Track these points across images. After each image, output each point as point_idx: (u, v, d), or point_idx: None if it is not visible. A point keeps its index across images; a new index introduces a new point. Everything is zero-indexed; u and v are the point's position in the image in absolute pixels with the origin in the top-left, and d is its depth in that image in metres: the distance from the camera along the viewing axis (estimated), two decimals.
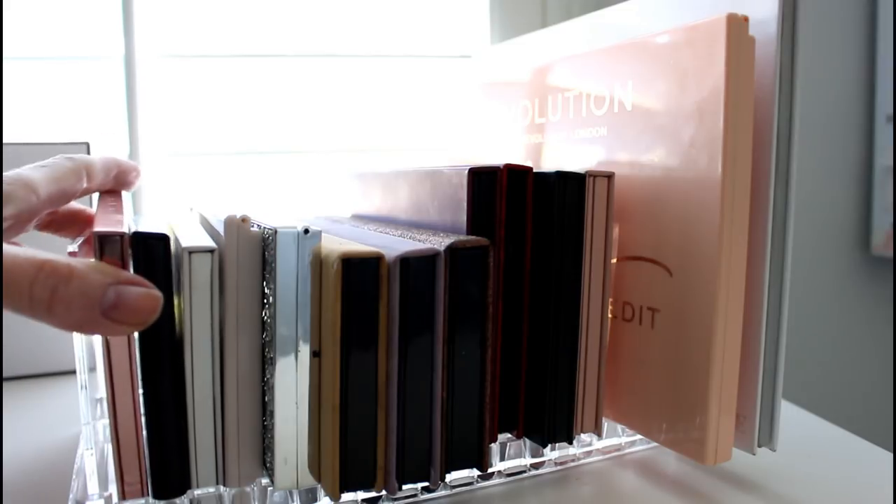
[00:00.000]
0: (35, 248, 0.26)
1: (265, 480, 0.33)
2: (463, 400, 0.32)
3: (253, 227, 0.31)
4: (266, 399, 0.31)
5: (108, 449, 0.32)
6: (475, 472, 0.37)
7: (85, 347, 0.32)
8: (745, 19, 0.33)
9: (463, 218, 0.34)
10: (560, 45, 0.48)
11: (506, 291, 0.35)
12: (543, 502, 0.36)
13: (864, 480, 0.38)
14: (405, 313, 0.30)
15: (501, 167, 0.34)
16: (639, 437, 0.42)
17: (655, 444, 0.40)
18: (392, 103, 0.97)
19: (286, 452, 0.31)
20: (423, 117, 0.97)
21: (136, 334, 0.30)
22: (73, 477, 0.35)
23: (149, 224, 0.34)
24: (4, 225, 0.30)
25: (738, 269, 0.34)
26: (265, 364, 0.31)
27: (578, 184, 0.35)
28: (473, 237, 0.32)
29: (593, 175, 0.36)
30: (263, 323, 0.31)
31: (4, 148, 0.54)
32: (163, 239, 0.29)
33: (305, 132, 0.95)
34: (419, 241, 0.32)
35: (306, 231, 0.30)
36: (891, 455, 0.41)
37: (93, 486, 0.32)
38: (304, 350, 0.31)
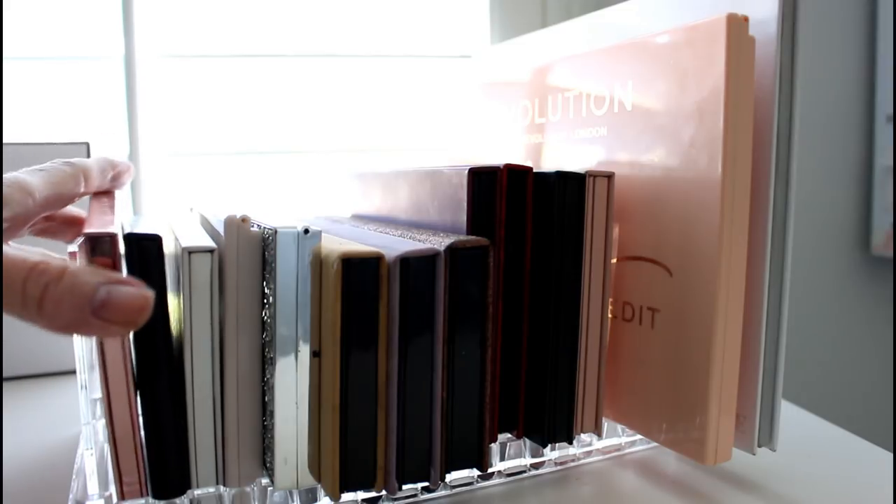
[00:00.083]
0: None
1: (265, 480, 0.33)
2: (463, 400, 0.32)
3: (253, 227, 0.31)
4: (266, 399, 0.31)
5: (108, 449, 0.32)
6: (475, 472, 0.37)
7: (85, 347, 0.32)
8: (745, 19, 0.33)
9: (463, 218, 0.34)
10: (560, 45, 0.48)
11: (506, 291, 0.35)
12: (543, 502, 0.36)
13: (864, 480, 0.38)
14: (405, 313, 0.30)
15: (501, 167, 0.34)
16: (639, 437, 0.42)
17: (655, 444, 0.40)
18: (392, 103, 0.97)
19: (286, 452, 0.31)
20: (423, 117, 0.97)
21: (131, 334, 0.30)
22: (73, 477, 0.35)
23: (146, 224, 0.34)
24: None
25: (738, 269, 0.34)
26: (265, 364, 0.31)
27: (578, 184, 0.35)
28: (473, 237, 0.32)
29: (593, 175, 0.36)
30: (263, 323, 0.31)
31: (4, 148, 0.54)
32: (155, 240, 0.29)
33: (305, 132, 0.95)
34: (419, 241, 0.32)
35: (306, 231, 0.30)
36: (891, 455, 0.41)
37: (93, 486, 0.32)
38: (304, 350, 0.31)
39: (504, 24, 0.96)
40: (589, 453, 0.41)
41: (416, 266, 0.30)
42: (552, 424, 0.36)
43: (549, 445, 0.38)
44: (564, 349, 0.36)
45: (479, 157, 0.52)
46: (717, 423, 0.35)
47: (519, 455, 0.39)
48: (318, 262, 0.30)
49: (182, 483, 0.31)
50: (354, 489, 0.31)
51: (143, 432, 0.30)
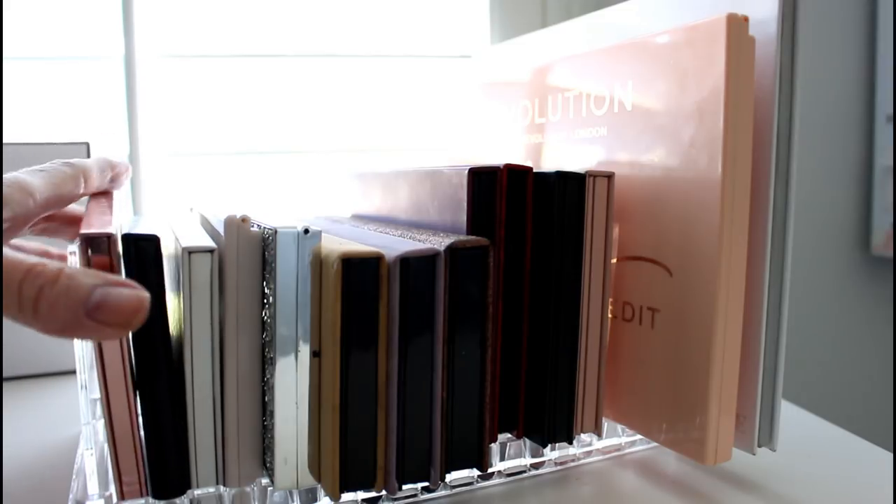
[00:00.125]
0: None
1: (265, 480, 0.33)
2: (463, 400, 0.32)
3: (253, 227, 0.31)
4: (266, 399, 0.31)
5: (108, 449, 0.32)
6: (475, 472, 0.37)
7: (85, 347, 0.32)
8: (745, 19, 0.33)
9: (463, 218, 0.34)
10: (560, 45, 0.48)
11: (506, 291, 0.35)
12: (543, 502, 0.36)
13: (864, 480, 0.38)
14: (405, 313, 0.30)
15: (501, 167, 0.34)
16: (639, 437, 0.42)
17: (655, 444, 0.40)
18: (392, 103, 0.97)
19: (286, 452, 0.31)
20: (423, 117, 0.97)
21: (130, 334, 0.30)
22: (73, 477, 0.35)
23: (146, 225, 0.34)
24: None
25: (738, 269, 0.34)
26: (265, 364, 0.31)
27: (578, 184, 0.35)
28: (473, 237, 0.32)
29: (593, 175, 0.36)
30: (263, 323, 0.31)
31: (4, 148, 0.54)
32: (153, 240, 0.29)
33: (305, 132, 0.95)
34: (419, 241, 0.32)
35: (306, 231, 0.30)
36: (891, 455, 0.41)
37: (93, 486, 0.32)
38: (304, 350, 0.31)
39: (504, 24, 0.96)
40: (589, 453, 0.41)
41: (416, 266, 0.30)
42: (552, 424, 0.36)
43: (549, 445, 0.38)
44: (564, 349, 0.36)
45: (479, 157, 0.52)
46: (717, 423, 0.35)
47: (519, 455, 0.39)
48: (318, 262, 0.30)
49: (182, 483, 0.31)
50: (354, 489, 0.31)
51: (142, 432, 0.30)
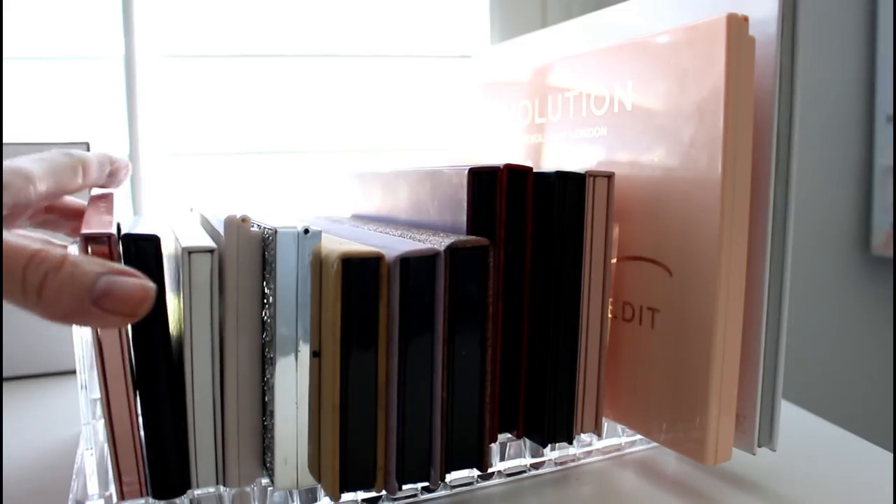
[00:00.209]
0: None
1: (265, 480, 0.33)
2: (463, 400, 0.32)
3: (253, 227, 0.31)
4: (266, 399, 0.31)
5: (108, 449, 0.32)
6: (475, 472, 0.37)
7: (85, 347, 0.32)
8: (745, 19, 0.33)
9: (463, 218, 0.34)
10: (560, 45, 0.48)
11: (506, 291, 0.35)
12: (543, 502, 0.36)
13: (864, 480, 0.38)
14: (405, 313, 0.30)
15: (501, 167, 0.34)
16: (639, 437, 0.42)
17: (655, 444, 0.40)
18: (392, 103, 0.97)
19: (286, 452, 0.31)
20: (423, 117, 0.97)
21: (130, 334, 0.30)
22: (73, 477, 0.35)
23: (146, 225, 0.34)
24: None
25: (738, 269, 0.34)
26: (265, 364, 0.31)
27: (578, 184, 0.35)
28: (473, 237, 0.32)
29: (593, 175, 0.36)
30: (263, 323, 0.31)
31: (4, 148, 0.54)
32: (153, 240, 0.29)
33: (305, 132, 0.95)
34: (419, 241, 0.32)
35: (306, 231, 0.30)
36: (891, 455, 0.41)
37: (93, 486, 0.32)
38: (304, 350, 0.31)
39: (504, 24, 0.96)
40: (589, 453, 0.41)
41: (416, 266, 0.30)
42: (552, 424, 0.36)
43: (549, 445, 0.38)
44: (564, 349, 0.36)
45: (479, 157, 0.52)
46: (717, 423, 0.35)
47: (519, 455, 0.39)
48: (318, 262, 0.30)
49: (182, 483, 0.31)
50: (354, 489, 0.31)
51: (142, 432, 0.30)
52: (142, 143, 0.87)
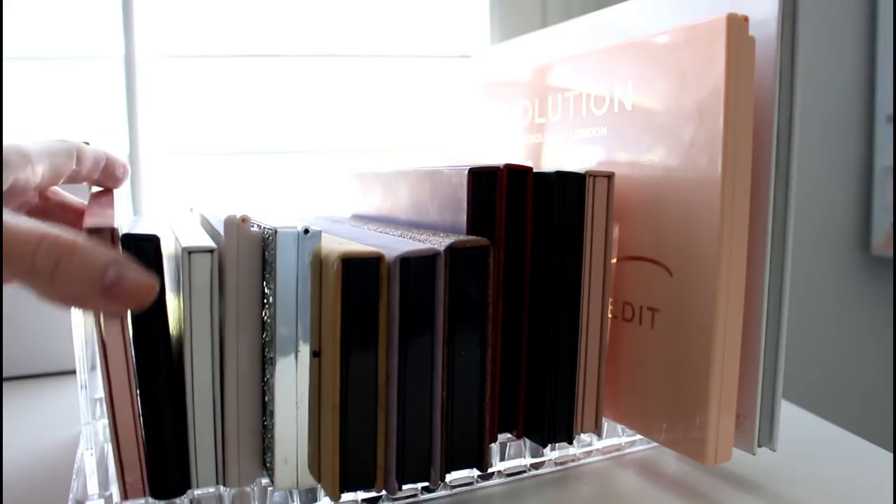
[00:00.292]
0: None
1: (265, 480, 0.33)
2: (463, 400, 0.32)
3: (253, 227, 0.31)
4: (266, 399, 0.31)
5: (109, 449, 0.32)
6: (475, 472, 0.37)
7: (85, 347, 0.32)
8: (745, 19, 0.33)
9: (463, 218, 0.34)
10: (560, 45, 0.48)
11: (506, 291, 0.35)
12: (543, 502, 0.36)
13: (864, 480, 0.38)
14: (405, 313, 0.30)
15: (501, 167, 0.34)
16: (639, 437, 0.42)
17: (655, 444, 0.40)
18: (392, 103, 0.97)
19: (286, 452, 0.31)
20: (423, 117, 0.97)
21: (131, 335, 0.30)
22: (73, 477, 0.35)
23: (146, 225, 0.34)
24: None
25: (738, 269, 0.34)
26: (265, 364, 0.31)
27: (578, 184, 0.35)
28: (473, 237, 0.32)
29: (593, 175, 0.36)
30: (263, 323, 0.31)
31: None
32: (152, 240, 0.29)
33: (305, 132, 0.95)
34: (419, 241, 0.32)
35: (306, 231, 0.30)
36: (891, 455, 0.41)
37: (93, 486, 0.32)
38: (304, 350, 0.31)
39: (504, 24, 0.96)
40: (589, 453, 0.41)
41: (416, 266, 0.30)
42: (552, 424, 0.36)
43: (549, 445, 0.38)
44: (564, 349, 0.36)
45: (479, 157, 0.52)
46: (717, 423, 0.35)
47: (519, 455, 0.39)
48: (318, 262, 0.30)
49: (182, 483, 0.31)
50: (354, 489, 0.31)
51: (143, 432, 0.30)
52: (142, 143, 0.87)
